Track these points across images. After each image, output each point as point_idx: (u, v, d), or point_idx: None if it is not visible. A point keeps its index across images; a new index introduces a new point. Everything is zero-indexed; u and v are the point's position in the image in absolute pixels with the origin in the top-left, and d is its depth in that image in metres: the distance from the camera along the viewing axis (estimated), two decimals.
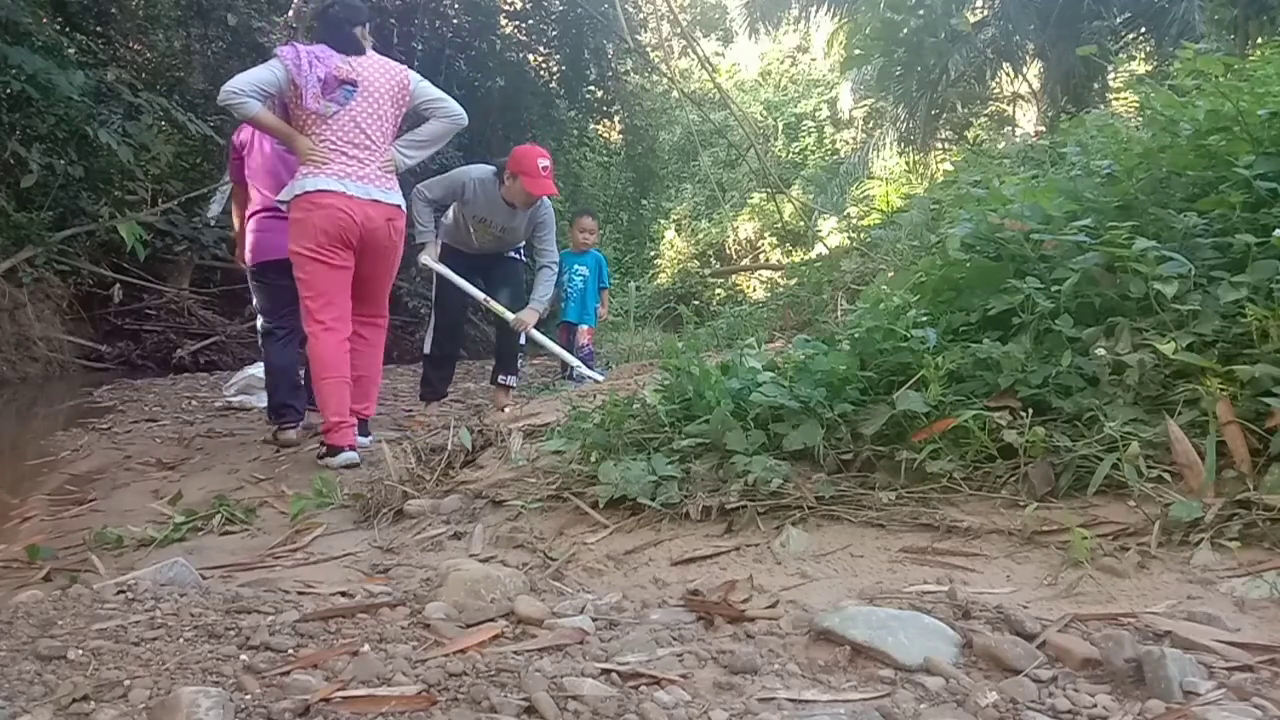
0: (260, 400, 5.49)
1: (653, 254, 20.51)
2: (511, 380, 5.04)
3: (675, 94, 16.08)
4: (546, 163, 4.60)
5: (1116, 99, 10.56)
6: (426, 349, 5.01)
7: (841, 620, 1.45)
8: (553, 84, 13.12)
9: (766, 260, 17.59)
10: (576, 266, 6.67)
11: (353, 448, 3.60)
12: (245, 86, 3.42)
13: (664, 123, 17.75)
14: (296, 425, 4.18)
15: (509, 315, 4.85)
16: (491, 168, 4.76)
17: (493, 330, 6.17)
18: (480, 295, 4.77)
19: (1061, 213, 2.53)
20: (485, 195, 4.68)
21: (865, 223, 9.65)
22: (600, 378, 4.81)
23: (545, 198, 4.70)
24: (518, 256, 5.12)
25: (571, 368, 5.27)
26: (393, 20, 11.11)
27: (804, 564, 1.95)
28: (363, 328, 3.85)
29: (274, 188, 4.05)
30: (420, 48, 10.97)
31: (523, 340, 5.01)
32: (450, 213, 4.86)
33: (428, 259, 4.74)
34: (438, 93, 3.82)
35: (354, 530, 2.72)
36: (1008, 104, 14.74)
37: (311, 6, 9.37)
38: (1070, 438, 2.05)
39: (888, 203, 12.07)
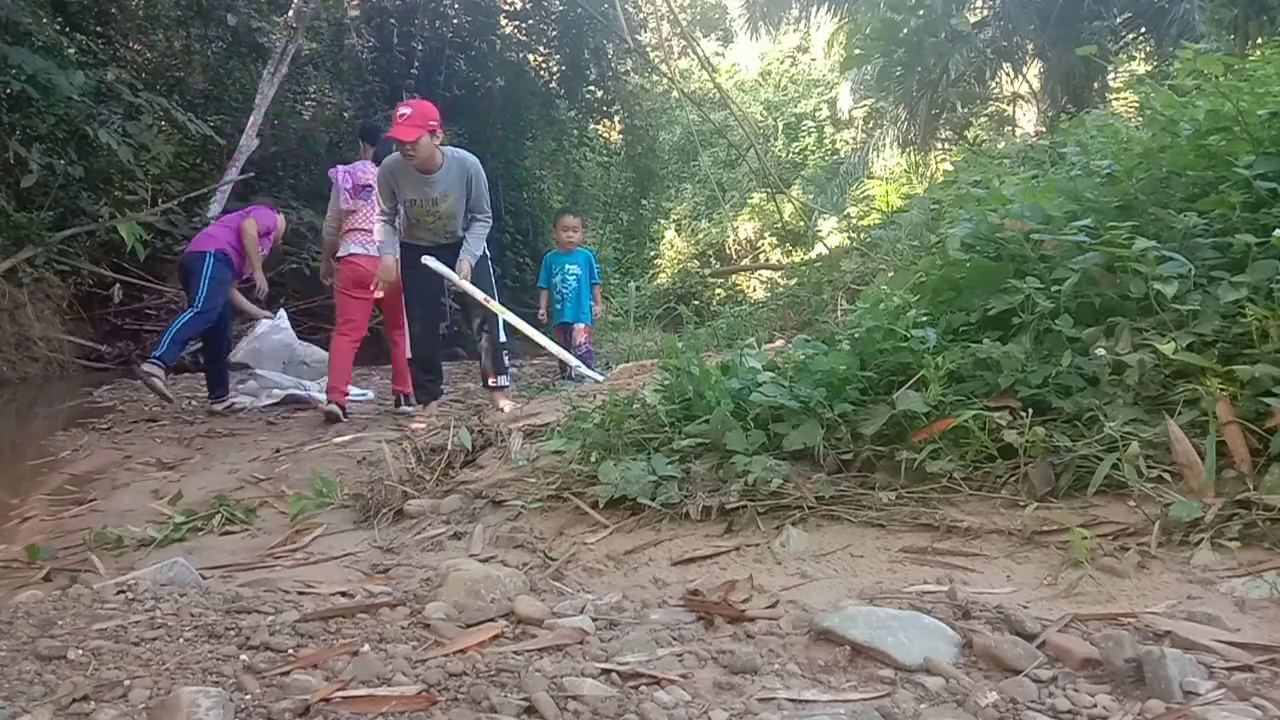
0: (260, 401, 5.86)
1: (653, 254, 20.48)
2: (503, 380, 5.01)
3: (675, 94, 16.07)
4: (406, 110, 4.54)
5: (1116, 99, 10.56)
6: (408, 353, 5.05)
7: (841, 620, 1.45)
8: (553, 84, 13.11)
9: (766, 260, 17.56)
10: (568, 266, 6.47)
11: (341, 406, 5.12)
12: (332, 226, 5.51)
13: (664, 123, 17.72)
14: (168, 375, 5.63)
15: (508, 314, 4.83)
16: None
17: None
18: (481, 294, 4.77)
19: (1061, 213, 2.53)
20: (402, 174, 4.68)
21: (865, 223, 9.65)
22: (600, 377, 4.79)
23: (469, 157, 4.76)
24: (485, 253, 5.06)
25: (571, 368, 5.25)
26: (393, 20, 11.09)
27: (804, 564, 1.95)
28: (393, 332, 5.46)
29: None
30: (420, 48, 10.94)
31: (504, 338, 5.00)
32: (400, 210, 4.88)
33: (430, 260, 4.74)
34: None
35: (354, 530, 2.72)
36: (1008, 104, 14.72)
37: (311, 6, 9.38)
38: (1070, 438, 2.05)
39: (888, 203, 12.08)
